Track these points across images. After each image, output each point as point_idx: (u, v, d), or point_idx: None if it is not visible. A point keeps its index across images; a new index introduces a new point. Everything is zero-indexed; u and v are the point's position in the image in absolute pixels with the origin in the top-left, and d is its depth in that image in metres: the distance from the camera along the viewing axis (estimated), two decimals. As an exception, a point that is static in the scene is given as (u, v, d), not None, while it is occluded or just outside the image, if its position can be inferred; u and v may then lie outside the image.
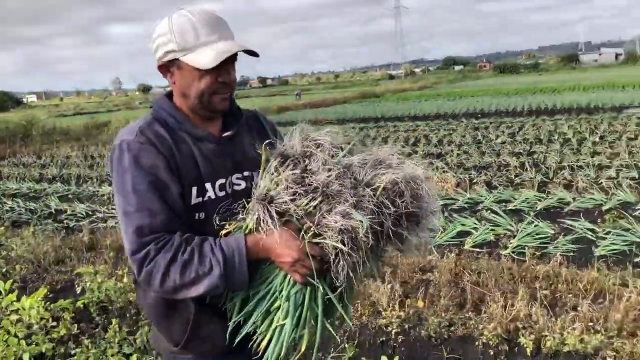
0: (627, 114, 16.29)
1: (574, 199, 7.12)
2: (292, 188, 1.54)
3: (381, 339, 3.76)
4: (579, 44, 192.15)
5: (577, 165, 9.23)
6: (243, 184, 1.76)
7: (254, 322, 1.65)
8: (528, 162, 9.80)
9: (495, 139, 13.15)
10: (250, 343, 1.67)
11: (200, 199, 1.68)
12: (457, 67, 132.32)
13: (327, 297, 1.61)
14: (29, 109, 71.01)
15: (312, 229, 1.52)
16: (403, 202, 1.56)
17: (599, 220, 6.25)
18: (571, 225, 5.98)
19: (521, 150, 11.30)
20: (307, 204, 1.53)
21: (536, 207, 6.94)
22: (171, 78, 1.71)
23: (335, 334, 1.72)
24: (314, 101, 35.85)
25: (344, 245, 1.47)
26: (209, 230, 1.66)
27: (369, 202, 1.53)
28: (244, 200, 1.69)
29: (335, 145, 1.66)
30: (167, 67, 1.69)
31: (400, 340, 3.73)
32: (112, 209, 8.22)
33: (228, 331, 1.69)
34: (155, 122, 1.69)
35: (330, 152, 1.63)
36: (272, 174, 1.60)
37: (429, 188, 1.64)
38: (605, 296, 4.07)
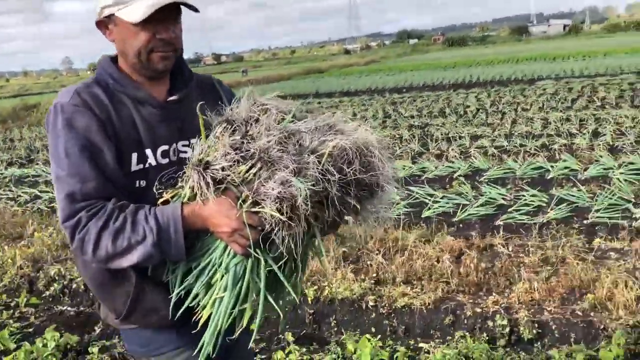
0: (537, 86, 17.05)
1: (435, 167, 7.70)
2: (230, 154, 1.48)
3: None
4: (531, 16, 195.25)
5: (459, 136, 9.83)
6: (190, 151, 1.67)
7: (195, 295, 1.61)
8: (418, 134, 10.36)
9: (405, 113, 13.70)
10: (194, 317, 1.63)
11: (141, 166, 1.63)
12: (411, 41, 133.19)
13: (270, 269, 1.55)
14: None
15: (250, 197, 1.46)
16: (352, 169, 1.49)
17: (447, 186, 6.84)
18: (415, 192, 6.54)
19: (420, 123, 11.87)
20: (246, 171, 1.47)
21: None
22: (110, 36, 1.64)
23: (279, 309, 1.64)
24: (258, 78, 35.94)
25: (281, 214, 1.41)
26: (151, 199, 1.60)
27: (313, 169, 1.46)
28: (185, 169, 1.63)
29: (283, 111, 1.61)
30: (105, 23, 1.63)
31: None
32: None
33: (171, 304, 1.63)
34: (95, 84, 1.62)
35: (277, 117, 1.57)
36: (213, 140, 1.54)
37: (383, 156, 1.56)
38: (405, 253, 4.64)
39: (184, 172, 1.58)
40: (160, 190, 1.62)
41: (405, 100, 16.47)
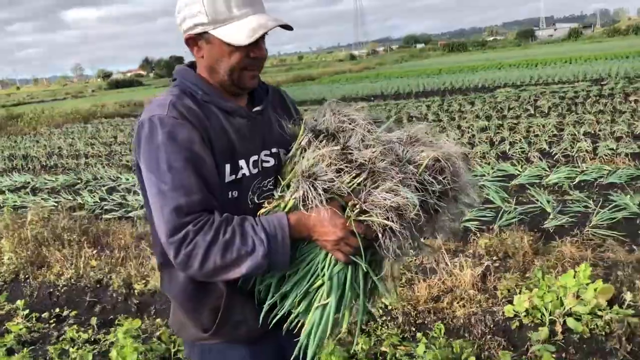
0: (499, 92, 17.44)
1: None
2: (335, 165, 1.50)
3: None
4: (540, 19, 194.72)
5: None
6: (272, 161, 1.70)
7: (291, 303, 1.61)
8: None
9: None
10: (285, 324, 1.64)
11: (233, 177, 1.62)
12: (418, 46, 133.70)
13: (365, 273, 1.60)
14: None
15: (357, 206, 1.49)
16: (445, 178, 1.55)
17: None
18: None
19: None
20: (350, 180, 1.50)
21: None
22: (198, 52, 1.63)
23: (373, 313, 1.81)
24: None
25: (392, 222, 1.45)
26: (243, 209, 1.59)
27: (411, 179, 1.51)
28: (273, 177, 1.68)
29: (369, 122, 1.62)
30: (194, 40, 1.62)
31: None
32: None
33: (262, 314, 1.63)
34: (184, 95, 1.61)
35: (366, 128, 1.59)
36: (309, 150, 1.56)
37: (464, 165, 1.62)
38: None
39: (269, 182, 1.66)
40: (261, 201, 1.63)
41: (378, 107, 16.86)
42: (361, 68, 48.45)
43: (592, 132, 9.40)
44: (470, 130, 10.84)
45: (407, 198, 1.45)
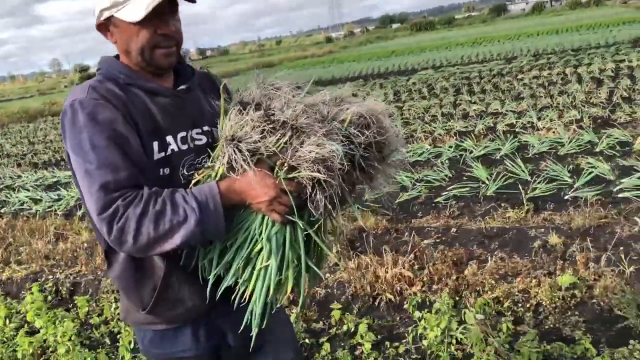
0: (418, 75, 18.22)
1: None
2: (259, 126, 1.52)
3: None
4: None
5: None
6: (204, 139, 1.71)
7: (235, 272, 1.61)
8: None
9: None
10: (233, 295, 1.63)
11: (163, 154, 1.63)
12: (394, 26, 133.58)
13: (306, 233, 1.60)
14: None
15: (286, 163, 1.50)
16: (371, 132, 1.59)
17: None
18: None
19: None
20: (277, 140, 1.51)
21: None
22: (112, 38, 1.66)
23: (319, 271, 1.71)
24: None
25: (320, 174, 1.47)
26: (176, 186, 1.58)
27: (337, 134, 1.54)
28: (207, 154, 1.68)
29: (294, 87, 1.65)
30: (105, 26, 1.65)
31: None
32: None
33: (209, 285, 1.63)
34: (106, 80, 1.63)
35: (291, 93, 1.62)
36: (236, 118, 1.57)
37: (391, 122, 1.67)
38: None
39: (205, 157, 1.67)
40: (191, 173, 1.64)
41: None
42: (325, 52, 48.84)
43: (449, 113, 10.22)
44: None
45: (332, 149, 1.47)
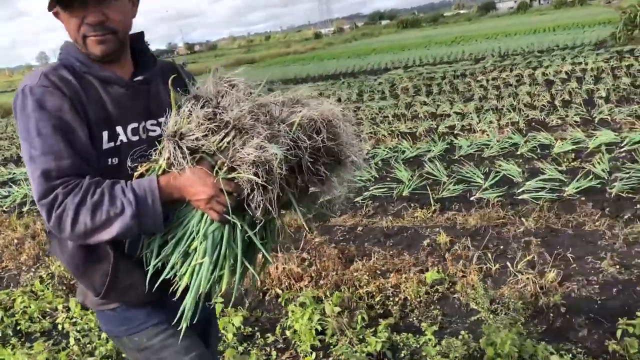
0: (392, 74, 18.49)
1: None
2: (203, 124, 1.51)
3: None
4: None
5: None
6: (158, 130, 1.71)
7: (172, 266, 1.63)
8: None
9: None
10: (171, 288, 1.65)
11: (112, 144, 1.64)
12: (383, 22, 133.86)
13: (247, 235, 1.61)
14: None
15: (225, 164, 1.51)
16: (321, 138, 1.57)
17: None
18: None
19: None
20: (220, 140, 1.51)
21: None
22: (62, 24, 1.66)
23: (255, 273, 1.73)
24: (193, 70, 37.33)
25: (257, 177, 1.46)
26: (124, 176, 1.60)
27: (284, 137, 1.52)
28: (157, 145, 1.66)
29: (250, 85, 1.66)
30: (57, 14, 1.66)
31: None
32: None
33: (147, 278, 1.64)
34: (61, 67, 1.63)
35: (246, 91, 1.62)
36: (185, 113, 1.57)
37: (347, 127, 1.65)
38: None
39: (156, 149, 1.63)
40: (135, 165, 1.64)
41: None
42: (307, 49, 49.00)
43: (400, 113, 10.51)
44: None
45: (272, 152, 1.47)
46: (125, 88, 1.68)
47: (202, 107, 1.55)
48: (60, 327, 3.85)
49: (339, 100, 13.71)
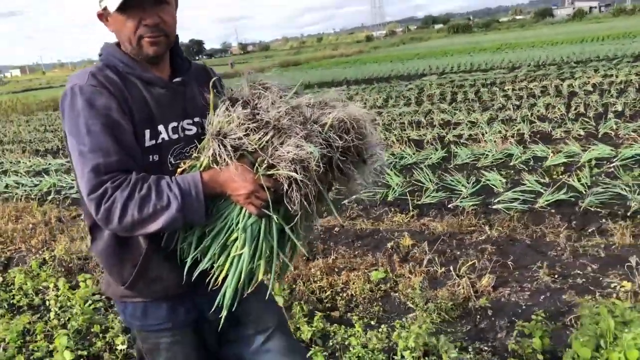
0: (425, 80, 18.64)
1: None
2: (244, 124, 1.60)
3: None
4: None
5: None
6: (194, 129, 1.80)
7: (211, 257, 1.70)
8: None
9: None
10: (208, 278, 1.71)
11: (153, 142, 1.71)
12: (437, 26, 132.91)
13: (281, 227, 1.69)
14: (5, 85, 73.55)
15: (265, 161, 1.60)
16: (349, 137, 1.67)
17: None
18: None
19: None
20: (259, 138, 1.60)
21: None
22: (109, 27, 1.75)
23: (289, 263, 1.81)
24: (241, 70, 38.30)
25: (296, 174, 1.55)
26: (165, 172, 1.68)
27: (317, 136, 1.62)
28: (195, 143, 1.75)
29: (283, 88, 1.75)
30: (104, 16, 1.75)
31: None
32: None
33: (186, 267, 1.71)
34: (106, 67, 1.71)
35: (278, 93, 1.71)
36: (224, 114, 1.65)
37: (372, 128, 1.75)
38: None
39: (193, 146, 1.74)
40: (177, 162, 1.73)
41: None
42: (354, 52, 49.32)
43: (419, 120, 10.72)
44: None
45: (309, 151, 1.56)
46: (165, 89, 1.78)
47: (242, 108, 1.66)
48: (47, 303, 4.32)
49: (365, 104, 14.03)
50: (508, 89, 13.69)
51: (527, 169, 6.61)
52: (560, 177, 6.11)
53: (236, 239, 1.68)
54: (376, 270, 4.16)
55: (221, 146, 1.60)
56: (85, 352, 3.49)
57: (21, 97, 28.35)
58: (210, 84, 1.77)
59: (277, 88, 1.74)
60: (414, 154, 7.98)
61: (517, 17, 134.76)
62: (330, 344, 3.41)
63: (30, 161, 11.05)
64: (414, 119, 11.04)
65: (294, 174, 1.55)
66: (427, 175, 6.54)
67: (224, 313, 1.73)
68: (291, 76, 27.37)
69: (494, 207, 5.45)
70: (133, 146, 1.65)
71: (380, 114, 12.11)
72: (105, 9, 1.71)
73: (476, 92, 13.82)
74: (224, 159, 1.60)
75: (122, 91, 1.67)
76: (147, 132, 1.70)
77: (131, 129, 1.66)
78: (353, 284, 4.03)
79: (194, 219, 1.63)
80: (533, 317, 3.07)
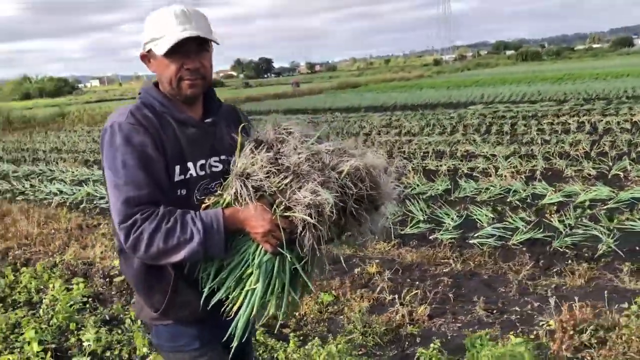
0: (471, 109, 18.66)
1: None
2: (266, 167, 1.74)
3: None
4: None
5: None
6: (220, 167, 1.94)
7: (227, 289, 1.84)
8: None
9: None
10: (223, 308, 1.86)
11: (182, 177, 1.86)
12: (508, 52, 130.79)
13: (294, 267, 1.82)
14: (83, 94, 78.05)
15: (283, 203, 1.73)
16: (364, 185, 1.79)
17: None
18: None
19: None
20: (279, 181, 1.73)
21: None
22: (150, 67, 1.90)
23: (298, 301, 1.94)
24: (303, 90, 39.30)
25: (310, 218, 1.68)
26: (190, 206, 1.83)
27: (334, 183, 1.75)
28: (220, 179, 1.91)
29: (305, 134, 1.89)
30: (146, 57, 1.90)
31: None
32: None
33: (202, 298, 1.85)
34: (144, 106, 1.87)
35: (301, 139, 1.85)
36: (249, 156, 1.79)
37: (387, 177, 1.89)
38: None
39: (218, 183, 1.90)
40: (202, 198, 1.87)
41: (362, 118, 18.75)
42: (415, 76, 49.47)
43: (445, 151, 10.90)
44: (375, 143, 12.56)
45: (325, 197, 1.68)
46: (197, 128, 1.92)
47: (266, 152, 1.79)
48: (42, 301, 4.89)
49: (399, 132, 14.31)
50: (545, 123, 13.61)
51: (522, 206, 6.73)
52: (552, 216, 6.21)
53: (251, 273, 1.81)
54: (327, 293, 4.49)
55: (243, 186, 1.74)
56: (53, 345, 3.99)
57: (88, 108, 30.16)
58: (240, 128, 1.90)
59: (300, 134, 1.88)
60: (423, 184, 8.21)
61: (595, 46, 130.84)
62: (266, 356, 3.76)
63: (77, 170, 11.93)
64: (439, 148, 11.22)
65: (308, 218, 1.69)
66: (419, 206, 6.79)
67: (235, 343, 1.86)
68: (344, 99, 27.86)
69: (470, 241, 5.65)
70: (163, 181, 1.80)
71: (410, 142, 12.34)
72: (149, 51, 1.87)
73: (512, 125, 13.81)
74: (245, 199, 1.73)
75: (158, 129, 1.82)
76: (177, 168, 1.85)
77: (163, 165, 1.81)
78: (305, 304, 4.37)
79: (214, 253, 1.76)
80: (431, 345, 3.33)
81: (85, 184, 10.16)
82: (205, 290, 1.85)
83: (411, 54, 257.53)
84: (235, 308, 1.84)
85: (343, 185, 1.77)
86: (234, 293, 1.84)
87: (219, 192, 1.88)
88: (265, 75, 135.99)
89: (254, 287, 1.80)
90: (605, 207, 6.38)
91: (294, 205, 1.71)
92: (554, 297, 3.91)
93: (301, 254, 1.77)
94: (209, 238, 1.72)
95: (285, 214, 1.73)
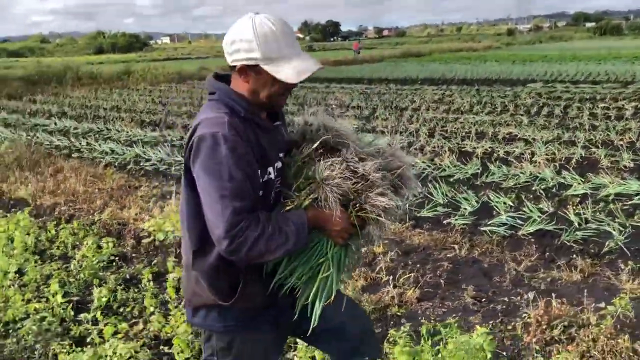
0: (529, 87, 18.24)
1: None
2: (342, 173, 2.02)
3: None
4: None
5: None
6: (280, 164, 2.11)
7: (298, 276, 2.09)
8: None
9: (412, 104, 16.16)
10: (295, 291, 2.13)
11: (262, 179, 2.01)
12: (588, 24, 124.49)
13: (355, 253, 2.19)
14: (153, 52, 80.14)
15: (358, 205, 2.04)
16: (400, 180, 2.18)
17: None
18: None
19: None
20: (354, 184, 2.03)
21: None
22: (245, 78, 1.97)
23: (351, 275, 2.59)
24: (364, 57, 38.98)
25: (381, 218, 2.03)
26: (266, 205, 2.04)
27: (389, 183, 2.12)
28: (280, 176, 2.11)
29: (357, 137, 2.22)
30: (245, 69, 1.95)
31: None
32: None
33: (272, 284, 2.09)
34: (233, 114, 1.96)
35: (355, 143, 2.16)
36: (321, 162, 2.06)
37: (412, 173, 2.25)
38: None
39: (278, 180, 2.10)
40: (286, 200, 2.09)
41: (416, 92, 18.68)
42: (483, 47, 48.06)
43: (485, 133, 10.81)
44: (412, 120, 12.60)
45: (396, 203, 2.05)
46: (271, 133, 2.08)
47: (334, 156, 2.08)
48: (75, 256, 5.40)
49: (448, 109, 14.21)
50: (600, 107, 13.18)
51: (546, 195, 6.72)
52: (571, 208, 6.20)
53: (322, 262, 2.08)
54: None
55: (329, 192, 2.00)
56: (77, 298, 4.47)
57: (152, 67, 30.87)
58: (326, 137, 2.14)
59: (353, 137, 2.19)
60: (454, 166, 8.26)
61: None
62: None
63: (131, 131, 12.56)
64: (482, 129, 11.14)
65: (381, 218, 2.04)
66: (441, 189, 6.90)
67: (314, 323, 2.11)
68: (404, 70, 27.63)
69: (481, 228, 5.76)
70: (258, 187, 1.98)
71: (456, 120, 12.28)
72: (252, 65, 1.93)
73: (565, 107, 13.46)
74: (331, 202, 2.00)
75: (250, 139, 1.95)
76: (260, 172, 1.99)
77: (258, 171, 1.97)
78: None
79: (299, 249, 2.01)
80: (402, 328, 3.56)
81: (136, 145, 10.72)
82: (276, 278, 2.10)
83: (484, 22, 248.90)
84: (310, 293, 2.10)
85: (394, 184, 2.15)
86: (301, 280, 2.10)
87: (295, 194, 2.10)
88: (332, 39, 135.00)
89: (328, 273, 2.08)
90: (629, 202, 6.30)
91: (370, 207, 2.03)
92: (534, 291, 4.02)
93: (371, 244, 2.21)
94: (300, 239, 1.97)
95: (359, 214, 2.05)
